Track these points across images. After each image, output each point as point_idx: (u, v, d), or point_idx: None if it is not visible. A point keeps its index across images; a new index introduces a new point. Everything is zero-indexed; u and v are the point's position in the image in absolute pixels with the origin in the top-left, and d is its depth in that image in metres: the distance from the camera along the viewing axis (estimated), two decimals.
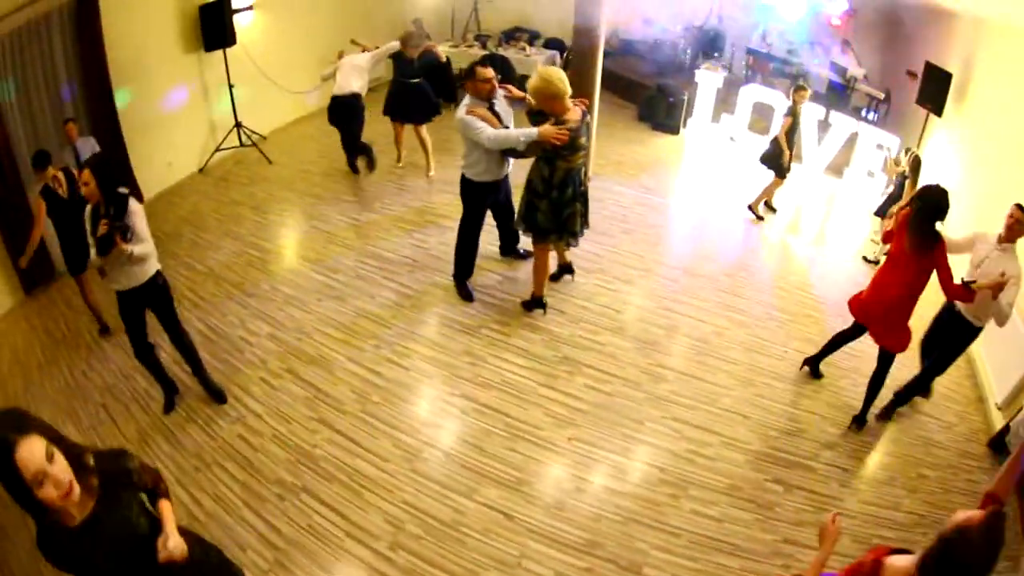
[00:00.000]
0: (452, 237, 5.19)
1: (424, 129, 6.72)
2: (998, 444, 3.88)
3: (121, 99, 6.07)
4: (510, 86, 4.41)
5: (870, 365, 3.86)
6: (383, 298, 4.85)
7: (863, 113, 8.07)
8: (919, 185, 5.33)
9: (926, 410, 4.17)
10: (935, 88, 6.45)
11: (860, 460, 3.76)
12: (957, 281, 3.43)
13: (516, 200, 4.58)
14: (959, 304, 3.71)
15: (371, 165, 6.91)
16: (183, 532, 1.93)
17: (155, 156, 6.64)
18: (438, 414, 3.87)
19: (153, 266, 3.55)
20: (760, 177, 6.47)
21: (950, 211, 3.42)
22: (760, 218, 6.47)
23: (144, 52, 6.31)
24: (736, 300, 5.08)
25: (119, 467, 1.83)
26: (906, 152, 5.56)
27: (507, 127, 4.30)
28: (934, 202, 3.37)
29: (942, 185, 3.47)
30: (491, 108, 4.24)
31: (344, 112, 6.51)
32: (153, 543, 1.80)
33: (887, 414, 4.02)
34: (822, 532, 2.07)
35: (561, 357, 4.28)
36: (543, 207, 4.13)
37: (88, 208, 3.33)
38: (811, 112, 7.37)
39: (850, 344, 4.09)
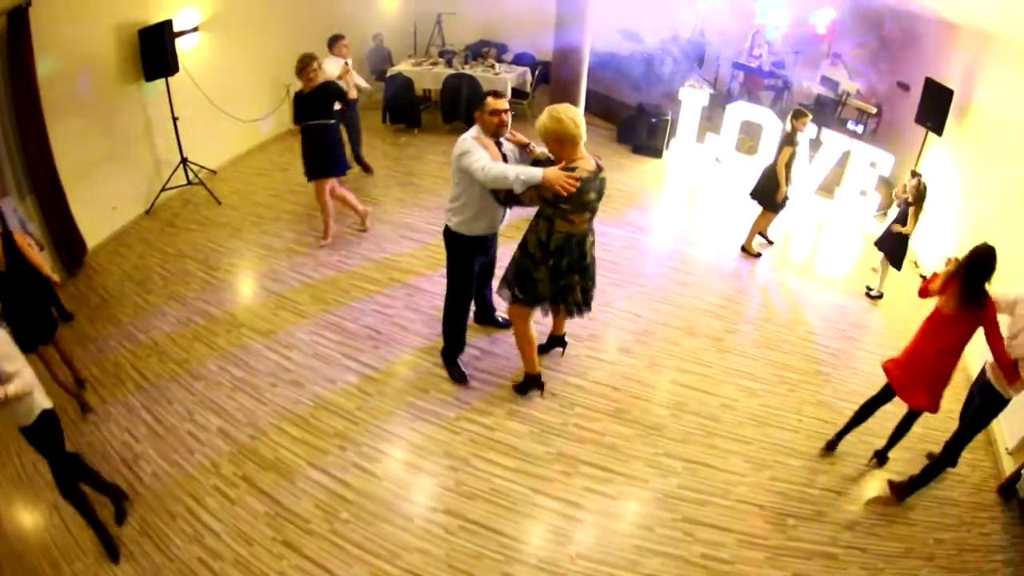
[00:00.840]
0: (420, 300, 4.67)
1: (337, 185, 5.82)
2: (1008, 491, 3.81)
3: (57, 139, 5.33)
4: (515, 135, 3.83)
5: (885, 425, 3.66)
6: (345, 383, 4.23)
7: (847, 124, 7.73)
8: (922, 212, 5.13)
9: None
10: (935, 105, 6.18)
11: (878, 536, 3.49)
12: None
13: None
14: (988, 372, 3.47)
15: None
16: None
17: (98, 200, 5.98)
18: (420, 535, 3.32)
19: (39, 404, 2.89)
20: (750, 209, 6.03)
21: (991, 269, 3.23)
22: (758, 255, 6.04)
23: (80, 86, 5.61)
24: (743, 362, 4.65)
25: None
26: (912, 175, 5.23)
27: None
28: (983, 263, 3.21)
29: (989, 244, 3.26)
30: (498, 145, 3.66)
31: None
32: None
33: (909, 490, 3.67)
34: None
35: (555, 454, 3.76)
36: (541, 275, 3.55)
37: None
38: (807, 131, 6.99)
39: None
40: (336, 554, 3.21)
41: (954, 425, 3.73)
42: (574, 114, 3.21)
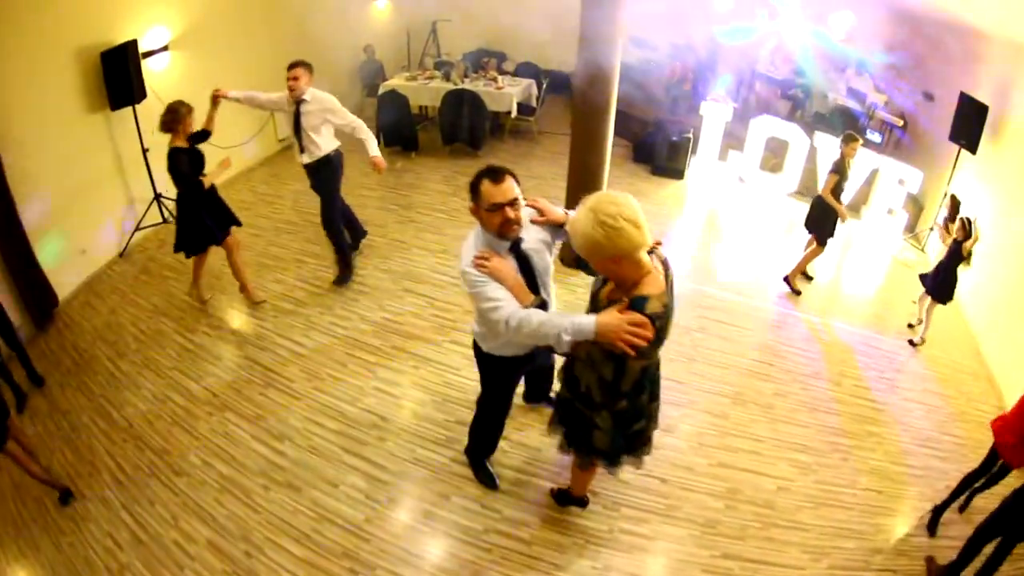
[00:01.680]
0: (430, 375, 4.07)
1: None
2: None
3: (16, 179, 4.73)
4: (540, 203, 2.65)
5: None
6: (349, 487, 3.60)
7: (866, 133, 7.27)
8: (973, 249, 4.80)
9: None
10: (969, 122, 5.78)
11: None
12: None
13: None
14: None
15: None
16: None
17: (66, 243, 5.38)
18: None
19: None
20: (786, 237, 5.51)
21: None
22: (798, 292, 5.56)
23: (39, 117, 4.99)
24: (794, 432, 4.15)
25: None
26: (951, 205, 4.79)
27: (541, 290, 2.64)
28: None
29: None
30: (516, 249, 2.56)
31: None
32: None
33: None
34: None
35: (602, 569, 3.22)
36: (603, 422, 2.56)
37: None
38: (829, 146, 6.54)
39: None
40: None
41: None
42: (632, 212, 2.02)
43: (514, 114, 7.34)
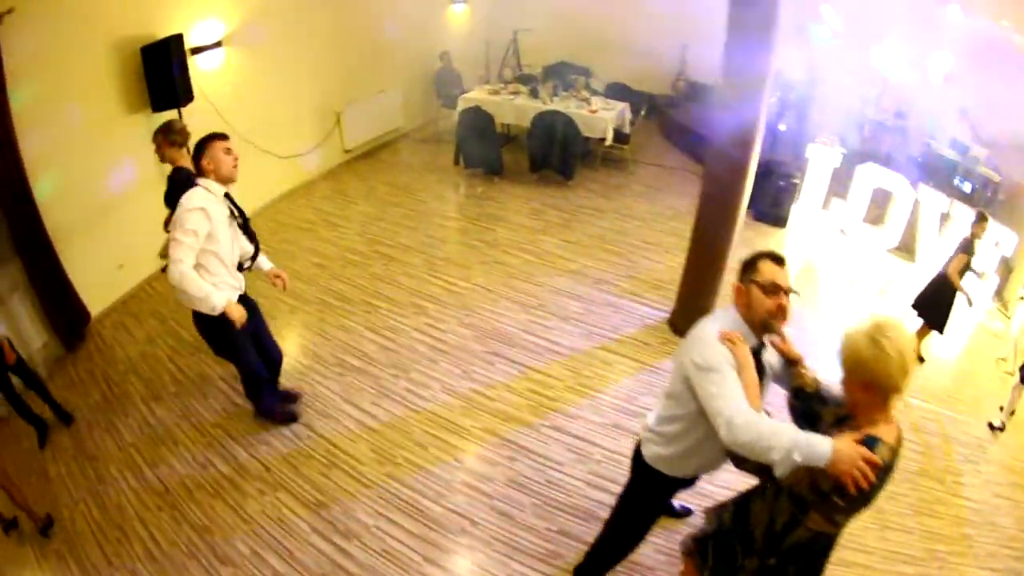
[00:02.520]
0: (528, 469, 3.50)
1: None
2: None
3: (44, 189, 4.32)
4: (785, 331, 2.27)
5: None
6: None
7: (954, 181, 6.68)
8: None
9: None
10: None
11: None
12: None
13: None
14: None
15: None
16: None
17: (101, 257, 4.93)
18: None
19: None
20: (877, 295, 4.85)
21: None
22: None
23: (71, 119, 4.46)
24: (901, 539, 3.57)
25: None
26: None
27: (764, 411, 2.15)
28: None
29: None
30: (756, 355, 2.18)
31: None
32: None
33: None
34: None
35: None
36: (751, 569, 2.19)
37: None
38: (934, 202, 6.00)
39: None
40: None
41: None
42: (909, 354, 1.81)
43: (608, 141, 6.68)
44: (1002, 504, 3.93)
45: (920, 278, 5.25)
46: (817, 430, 1.94)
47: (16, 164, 4.03)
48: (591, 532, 3.06)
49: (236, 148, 3.24)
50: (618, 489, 2.74)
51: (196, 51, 5.37)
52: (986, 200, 6.76)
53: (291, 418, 3.92)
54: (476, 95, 7.10)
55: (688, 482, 2.59)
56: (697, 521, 3.25)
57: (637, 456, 2.54)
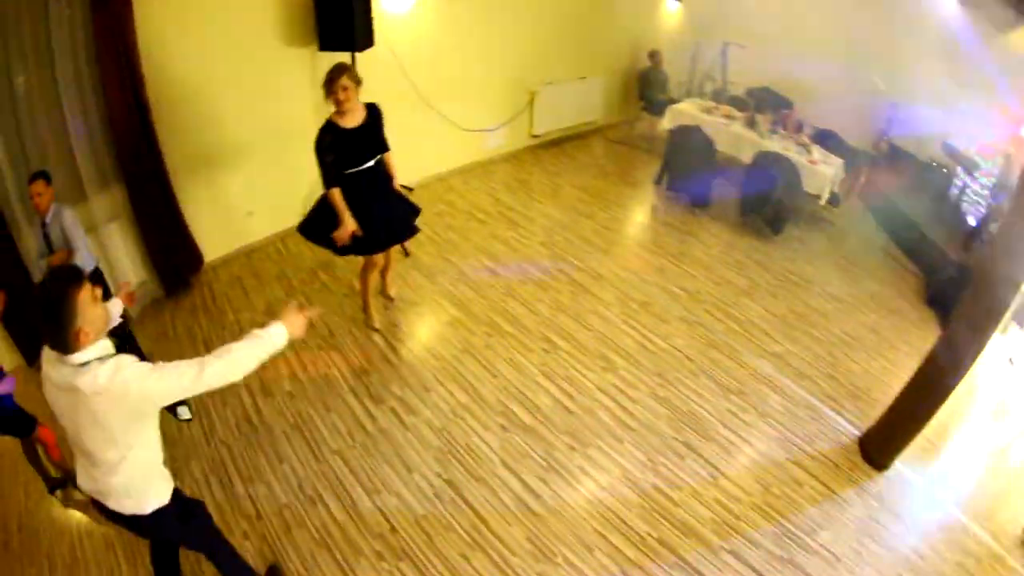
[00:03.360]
0: None
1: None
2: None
3: (171, 115, 3.84)
4: None
5: None
6: None
7: None
8: None
9: None
10: None
11: None
12: None
13: None
14: None
15: None
16: None
17: (229, 198, 4.39)
18: None
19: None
20: None
21: None
22: None
23: (212, 43, 3.90)
24: None
25: None
26: None
27: None
28: None
29: None
30: None
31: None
32: None
33: None
34: None
35: None
36: None
37: None
38: None
39: None
40: None
41: None
42: None
43: (823, 201, 5.50)
44: None
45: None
46: None
47: (134, 84, 3.49)
48: None
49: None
50: None
51: None
52: None
53: None
54: (687, 108, 6.04)
55: None
56: None
57: None
